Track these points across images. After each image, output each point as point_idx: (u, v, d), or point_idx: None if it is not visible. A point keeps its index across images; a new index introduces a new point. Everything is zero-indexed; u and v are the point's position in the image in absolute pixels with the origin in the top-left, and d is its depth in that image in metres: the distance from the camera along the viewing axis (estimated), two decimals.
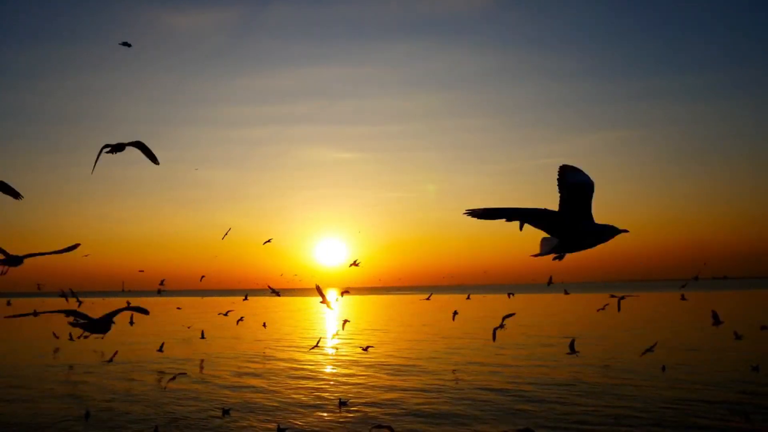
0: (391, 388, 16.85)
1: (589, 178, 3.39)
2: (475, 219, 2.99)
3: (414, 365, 21.23)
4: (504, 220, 3.03)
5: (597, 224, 3.27)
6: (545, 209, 3.11)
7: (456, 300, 62.40)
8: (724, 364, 19.80)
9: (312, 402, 15.22)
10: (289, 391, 16.78)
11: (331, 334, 35.35)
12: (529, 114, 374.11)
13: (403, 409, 14.21)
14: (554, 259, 3.44)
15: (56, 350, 27.33)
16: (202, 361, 23.31)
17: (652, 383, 16.61)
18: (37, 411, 14.55)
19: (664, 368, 18.23)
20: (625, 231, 3.27)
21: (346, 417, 13.54)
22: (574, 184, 3.33)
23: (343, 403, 14.65)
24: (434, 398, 15.33)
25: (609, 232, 3.24)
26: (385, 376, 18.96)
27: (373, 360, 22.58)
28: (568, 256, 3.43)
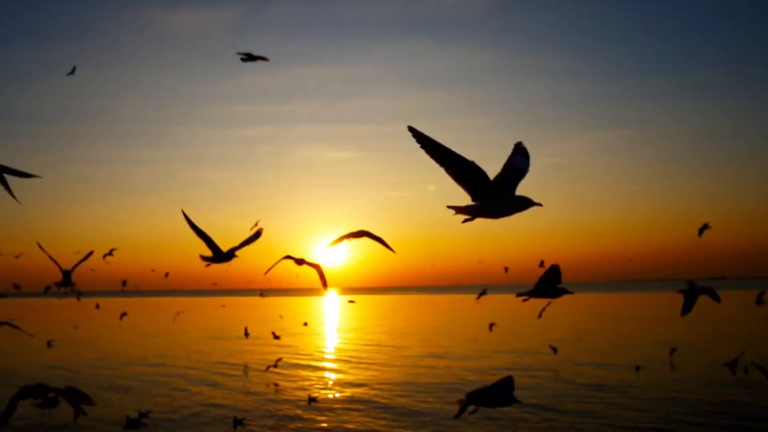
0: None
1: (528, 166, 3.69)
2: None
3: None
4: (429, 152, 2.93)
5: (516, 195, 3.41)
6: (475, 164, 3.03)
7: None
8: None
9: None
10: None
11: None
12: (529, 114, 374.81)
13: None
14: (464, 221, 3.45)
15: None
16: None
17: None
18: None
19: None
20: (539, 204, 3.37)
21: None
22: (516, 167, 3.62)
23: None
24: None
25: (524, 203, 3.36)
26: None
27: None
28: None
